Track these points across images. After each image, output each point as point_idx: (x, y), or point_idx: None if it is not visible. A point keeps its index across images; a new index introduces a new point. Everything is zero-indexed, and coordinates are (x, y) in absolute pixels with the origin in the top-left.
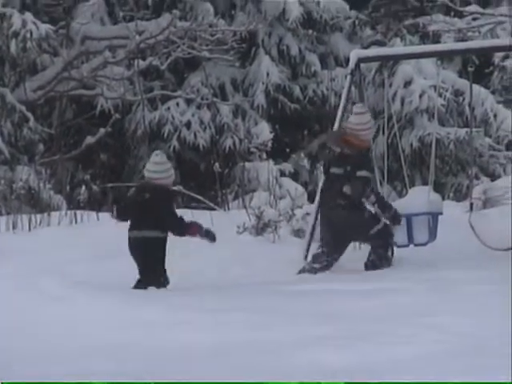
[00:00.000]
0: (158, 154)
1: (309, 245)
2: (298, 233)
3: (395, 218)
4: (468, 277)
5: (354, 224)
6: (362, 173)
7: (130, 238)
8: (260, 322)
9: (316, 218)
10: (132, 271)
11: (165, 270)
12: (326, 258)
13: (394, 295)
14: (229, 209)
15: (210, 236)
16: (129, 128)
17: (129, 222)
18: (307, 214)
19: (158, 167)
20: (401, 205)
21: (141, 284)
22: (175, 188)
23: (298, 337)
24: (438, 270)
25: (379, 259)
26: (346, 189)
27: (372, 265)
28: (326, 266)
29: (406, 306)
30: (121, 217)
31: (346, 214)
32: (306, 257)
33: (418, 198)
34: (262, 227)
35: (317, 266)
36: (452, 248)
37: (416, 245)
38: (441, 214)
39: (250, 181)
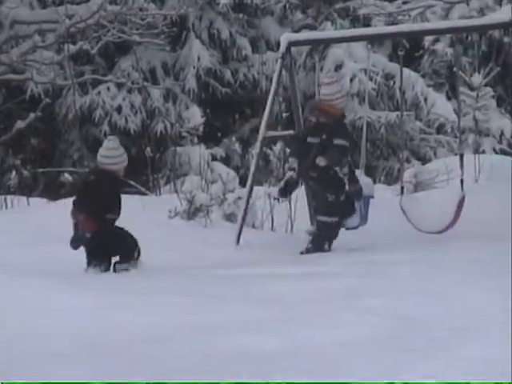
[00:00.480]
0: (111, 139)
1: (241, 228)
2: (229, 217)
3: (359, 193)
4: (401, 259)
5: (320, 199)
6: (339, 141)
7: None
8: (194, 305)
9: (248, 202)
10: (63, 256)
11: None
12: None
13: (329, 278)
14: (160, 193)
15: (75, 240)
16: (59, 112)
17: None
18: (239, 198)
19: (109, 152)
20: None
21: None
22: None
23: (232, 321)
24: (371, 253)
25: (311, 241)
26: (319, 160)
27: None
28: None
29: (340, 290)
30: (78, 209)
31: (316, 187)
32: (237, 241)
33: None
34: (193, 212)
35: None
36: (384, 231)
37: (347, 228)
38: (372, 197)
39: (181, 165)
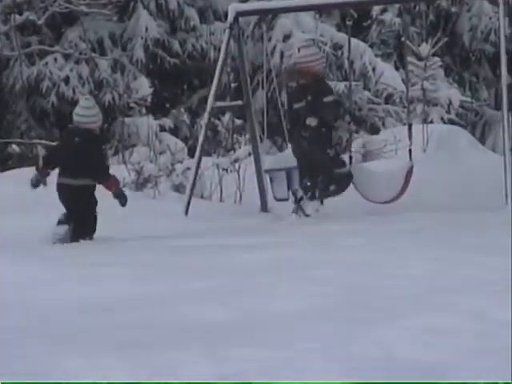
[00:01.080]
0: (88, 98)
1: (189, 199)
2: (178, 188)
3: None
4: (349, 230)
5: (317, 158)
6: (328, 98)
7: (58, 184)
8: (143, 276)
9: (196, 173)
10: (11, 227)
11: (95, 218)
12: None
13: (278, 249)
14: (108, 164)
15: (122, 198)
16: (7, 83)
17: (57, 169)
18: (187, 168)
19: (86, 111)
20: (281, 159)
21: (62, 223)
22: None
23: (180, 291)
24: (320, 223)
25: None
26: (310, 120)
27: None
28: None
29: (289, 260)
30: (49, 164)
31: (307, 146)
32: (186, 211)
33: None
34: (142, 182)
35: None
36: (332, 201)
37: (278, 200)
38: None
39: (129, 136)
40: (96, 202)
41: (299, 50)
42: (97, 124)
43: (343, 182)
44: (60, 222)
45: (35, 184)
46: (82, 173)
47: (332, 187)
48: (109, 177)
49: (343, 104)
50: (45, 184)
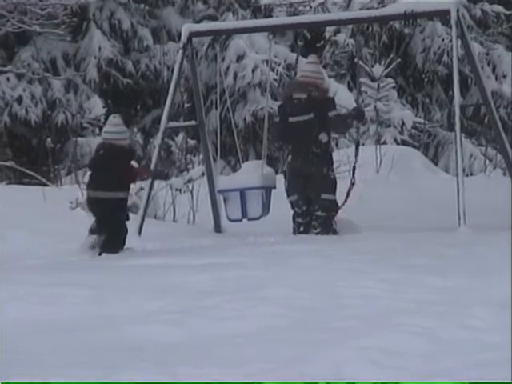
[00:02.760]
0: (116, 116)
1: (142, 219)
2: (131, 208)
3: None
4: (301, 250)
5: (317, 179)
6: (333, 112)
7: (91, 198)
8: (92, 297)
9: (150, 193)
10: None
11: (126, 232)
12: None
13: (228, 269)
14: (61, 184)
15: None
16: None
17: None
18: (141, 188)
19: (118, 128)
20: (234, 179)
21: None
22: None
23: (129, 312)
24: (272, 243)
25: (320, 225)
26: (322, 136)
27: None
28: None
29: (239, 280)
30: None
31: (314, 166)
32: (140, 232)
33: (251, 173)
34: None
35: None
36: (285, 222)
37: (250, 219)
38: (274, 188)
39: (82, 156)
40: (127, 217)
41: (309, 63)
42: (127, 140)
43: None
44: (91, 232)
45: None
46: (115, 186)
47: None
48: (136, 175)
49: (344, 113)
50: None
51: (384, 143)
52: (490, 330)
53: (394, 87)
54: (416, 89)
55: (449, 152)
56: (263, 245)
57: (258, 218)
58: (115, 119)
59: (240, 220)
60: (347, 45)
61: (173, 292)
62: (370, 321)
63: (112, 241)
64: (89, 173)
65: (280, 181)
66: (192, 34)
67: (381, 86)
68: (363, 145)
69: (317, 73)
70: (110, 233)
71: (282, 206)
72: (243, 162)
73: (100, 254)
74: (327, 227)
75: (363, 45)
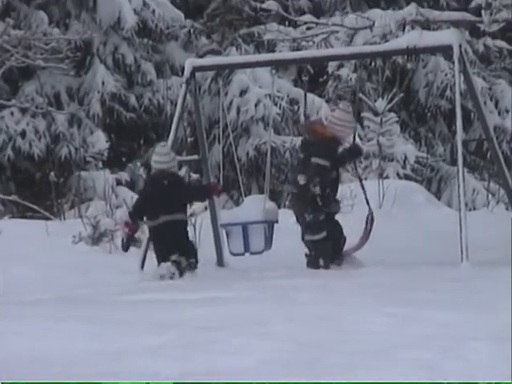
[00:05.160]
0: (164, 144)
1: (145, 254)
2: (135, 243)
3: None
4: (302, 285)
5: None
6: (316, 159)
7: (153, 227)
8: (93, 331)
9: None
10: None
11: (196, 251)
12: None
13: (230, 304)
14: (65, 218)
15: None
16: None
17: (145, 214)
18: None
19: (167, 157)
20: (237, 213)
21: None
22: None
23: (131, 346)
24: (273, 278)
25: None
26: (300, 178)
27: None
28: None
29: (243, 315)
30: (140, 214)
31: (295, 203)
32: (142, 266)
33: (253, 207)
34: (98, 237)
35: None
36: (288, 256)
37: (252, 253)
38: (276, 222)
39: (86, 190)
40: (188, 237)
41: (338, 109)
42: (176, 167)
43: (316, 248)
44: (162, 260)
45: (127, 247)
46: (177, 209)
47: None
48: (208, 187)
49: (324, 173)
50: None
51: (387, 177)
52: (490, 364)
53: (396, 121)
54: (419, 123)
55: (451, 186)
56: (266, 279)
57: (261, 252)
58: (165, 148)
59: (242, 254)
60: (350, 79)
61: (175, 326)
62: (373, 355)
63: (190, 259)
64: (144, 202)
65: (283, 215)
66: (195, 69)
67: (384, 120)
68: (366, 179)
69: (339, 120)
70: (186, 253)
71: (284, 240)
72: (246, 196)
73: (181, 276)
74: (312, 264)
75: (366, 79)
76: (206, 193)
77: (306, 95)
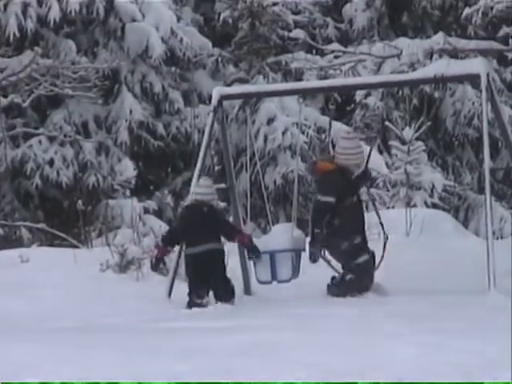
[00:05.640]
0: (207, 178)
1: (172, 282)
2: (161, 270)
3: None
4: (332, 313)
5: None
6: (318, 197)
7: (192, 255)
8: (122, 359)
9: (179, 255)
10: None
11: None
12: None
13: (262, 331)
14: (92, 246)
15: (255, 251)
16: None
17: (183, 242)
18: (171, 251)
19: (210, 190)
20: (264, 241)
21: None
22: None
23: (164, 374)
24: (301, 306)
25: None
26: (308, 216)
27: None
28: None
29: (273, 343)
30: (173, 241)
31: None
32: (169, 294)
33: (281, 235)
34: (125, 265)
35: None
36: (315, 284)
37: (279, 281)
38: (304, 250)
39: (113, 218)
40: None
41: (342, 139)
42: (216, 201)
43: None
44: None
45: (156, 266)
46: (213, 238)
47: None
48: (240, 232)
49: (324, 208)
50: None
51: (414, 206)
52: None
53: (424, 150)
54: (446, 152)
55: (479, 215)
56: (293, 307)
57: (288, 281)
58: (207, 181)
59: (270, 282)
60: (377, 107)
61: (202, 354)
62: None
63: (225, 291)
64: (182, 230)
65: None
66: (223, 97)
67: (411, 148)
68: (393, 207)
69: (350, 149)
70: (225, 281)
71: (310, 268)
72: (273, 224)
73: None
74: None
75: (393, 108)
76: (237, 236)
77: (330, 123)
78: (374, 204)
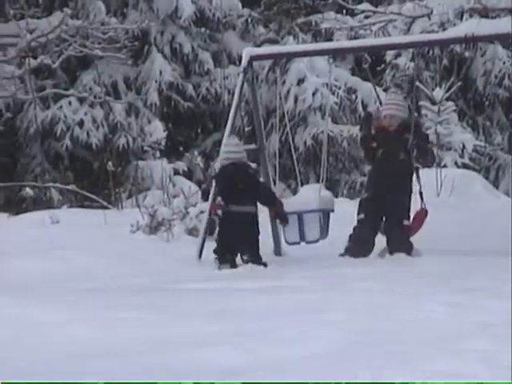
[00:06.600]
0: (233, 137)
1: (203, 243)
2: (191, 231)
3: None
4: (360, 273)
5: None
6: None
7: (229, 213)
8: (155, 320)
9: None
10: (24, 269)
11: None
12: None
13: (289, 292)
14: (122, 207)
15: (283, 220)
16: (21, 127)
17: (222, 199)
18: (201, 212)
19: (238, 148)
20: (292, 202)
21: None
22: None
23: (193, 335)
24: (331, 267)
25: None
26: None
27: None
28: None
29: (298, 304)
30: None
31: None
32: (200, 255)
33: (309, 196)
34: (155, 226)
35: None
36: (344, 245)
37: (308, 242)
38: (332, 211)
39: (143, 179)
40: (259, 234)
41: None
42: (246, 157)
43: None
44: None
45: (212, 230)
46: (252, 201)
47: None
48: (277, 201)
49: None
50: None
51: (445, 166)
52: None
53: (454, 110)
54: (477, 112)
55: (509, 175)
56: (322, 268)
57: (317, 241)
58: (235, 139)
59: (298, 243)
60: (408, 68)
61: (233, 315)
62: (430, 344)
63: (259, 254)
64: (221, 190)
65: (338, 204)
66: (253, 58)
67: (441, 109)
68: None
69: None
70: (254, 247)
71: (340, 229)
72: (303, 185)
73: (248, 262)
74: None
75: (424, 68)
76: (273, 205)
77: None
78: (417, 171)
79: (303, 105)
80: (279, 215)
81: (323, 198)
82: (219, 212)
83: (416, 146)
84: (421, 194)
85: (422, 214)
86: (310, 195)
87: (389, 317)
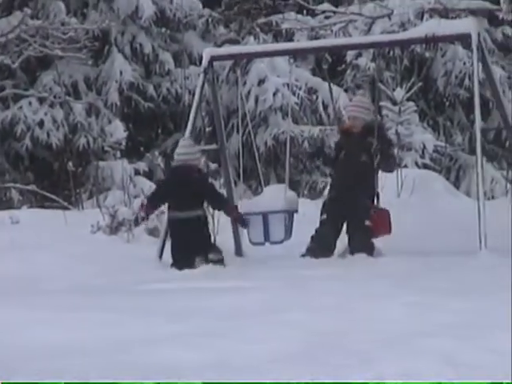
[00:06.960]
0: (186, 138)
1: (163, 243)
2: (152, 231)
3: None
4: (319, 275)
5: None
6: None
7: (173, 220)
8: (113, 320)
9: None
10: None
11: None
12: None
13: (250, 293)
14: (83, 208)
15: (242, 222)
16: None
17: (166, 205)
18: (162, 212)
19: (188, 149)
20: (257, 203)
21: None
22: None
23: (150, 335)
24: (293, 267)
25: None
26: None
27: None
28: None
29: (260, 303)
30: (154, 204)
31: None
32: (160, 256)
33: (274, 196)
34: (116, 226)
35: None
36: (307, 246)
37: (272, 243)
38: (296, 211)
39: (104, 179)
40: (210, 236)
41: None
42: (199, 160)
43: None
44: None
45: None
46: (198, 204)
47: None
48: (227, 203)
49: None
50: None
51: (405, 167)
52: (509, 352)
53: (415, 111)
54: (437, 112)
55: (470, 176)
56: (284, 268)
57: (281, 242)
58: (187, 141)
59: (263, 244)
60: (368, 68)
61: (194, 315)
62: (391, 344)
63: (214, 252)
64: (166, 193)
65: (300, 204)
66: (213, 58)
67: (402, 109)
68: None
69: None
70: (210, 248)
71: (302, 229)
72: (265, 185)
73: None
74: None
75: (384, 68)
76: (225, 208)
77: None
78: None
79: (264, 105)
80: (238, 220)
81: (288, 199)
82: (144, 214)
83: (379, 151)
84: (377, 194)
85: (385, 214)
86: (275, 196)
87: (349, 317)
